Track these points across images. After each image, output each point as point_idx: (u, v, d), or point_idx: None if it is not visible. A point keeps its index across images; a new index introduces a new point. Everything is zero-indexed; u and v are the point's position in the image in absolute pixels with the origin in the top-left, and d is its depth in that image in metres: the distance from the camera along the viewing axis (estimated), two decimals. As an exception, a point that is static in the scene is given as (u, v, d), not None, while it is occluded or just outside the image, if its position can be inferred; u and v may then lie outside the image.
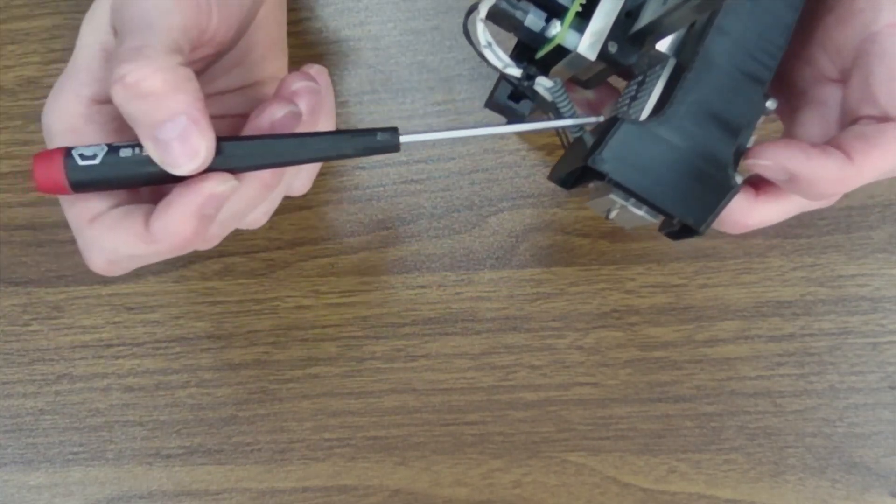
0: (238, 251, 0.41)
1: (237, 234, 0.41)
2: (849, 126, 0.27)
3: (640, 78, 0.30)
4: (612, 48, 0.27)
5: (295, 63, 0.40)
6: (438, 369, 0.41)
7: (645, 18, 0.27)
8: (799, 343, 0.39)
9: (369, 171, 0.40)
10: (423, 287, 0.41)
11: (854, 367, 0.39)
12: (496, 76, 0.30)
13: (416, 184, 0.40)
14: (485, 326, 0.40)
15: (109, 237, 0.27)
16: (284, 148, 0.27)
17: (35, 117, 0.42)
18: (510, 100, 0.31)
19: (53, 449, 0.43)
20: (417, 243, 0.40)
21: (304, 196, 0.40)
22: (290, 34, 0.40)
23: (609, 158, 0.25)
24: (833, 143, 0.26)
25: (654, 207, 0.26)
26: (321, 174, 0.41)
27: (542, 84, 0.29)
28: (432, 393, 0.41)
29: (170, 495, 0.42)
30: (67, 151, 0.26)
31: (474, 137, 0.40)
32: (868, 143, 0.26)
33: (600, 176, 0.26)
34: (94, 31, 0.28)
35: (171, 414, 0.42)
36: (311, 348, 0.41)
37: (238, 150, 0.27)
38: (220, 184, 0.26)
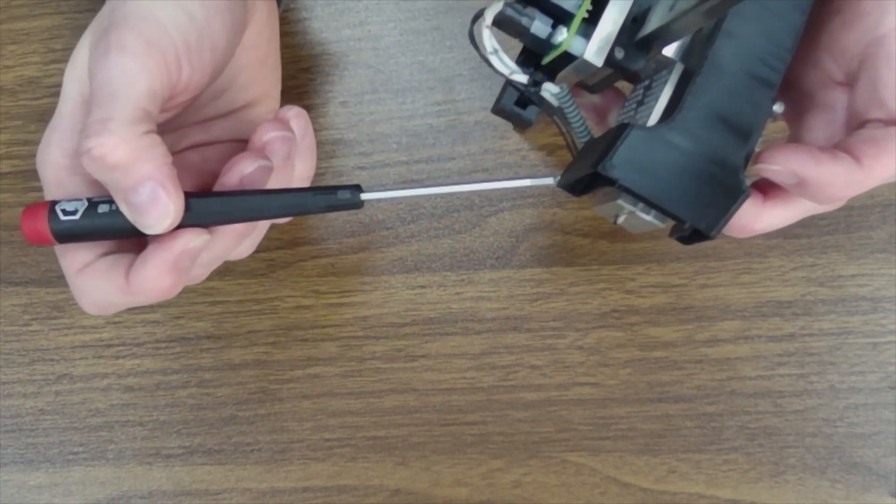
0: (238, 251, 0.41)
1: (237, 234, 0.41)
2: (856, 130, 0.27)
3: (646, 83, 0.30)
4: (619, 54, 0.27)
5: (294, 65, 0.40)
6: (438, 369, 0.41)
7: (652, 24, 0.26)
8: (799, 343, 0.39)
9: (369, 172, 0.40)
10: (423, 287, 0.41)
11: (854, 367, 0.39)
12: (499, 77, 0.30)
13: (417, 184, 0.40)
14: (485, 326, 0.40)
15: (95, 287, 0.29)
16: (249, 205, 0.29)
17: (35, 117, 0.42)
18: (517, 105, 0.31)
19: (53, 449, 0.43)
20: (417, 243, 0.40)
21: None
22: (289, 34, 0.40)
23: (619, 164, 0.25)
24: (841, 146, 0.26)
25: (664, 213, 0.26)
26: (321, 174, 0.41)
27: (549, 90, 0.29)
28: (432, 393, 0.41)
29: (170, 495, 0.42)
30: (51, 206, 0.28)
31: (475, 138, 0.40)
32: (877, 147, 0.26)
33: (610, 182, 0.26)
34: (74, 81, 0.29)
35: (172, 414, 0.42)
36: (311, 348, 0.41)
37: (207, 207, 0.28)
38: (191, 240, 0.28)
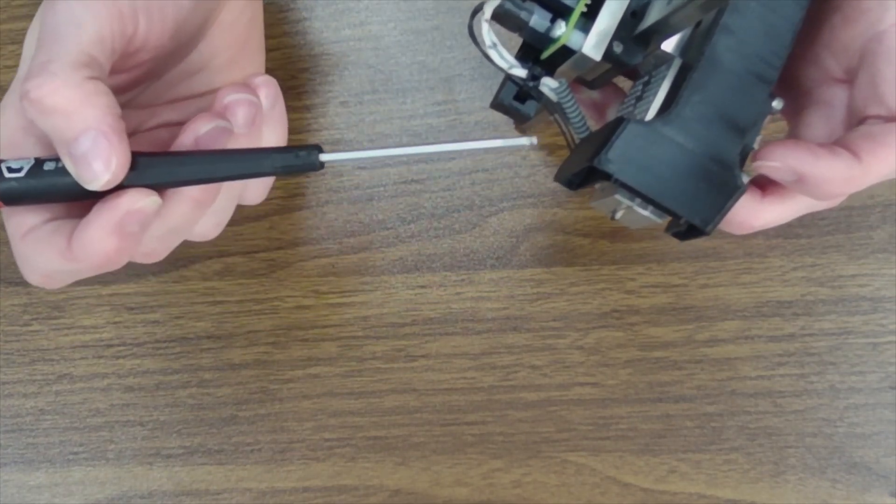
0: (238, 251, 0.41)
1: (237, 234, 0.41)
2: (855, 126, 0.27)
3: (645, 78, 0.30)
4: (618, 48, 0.27)
5: (294, 65, 0.40)
6: (439, 369, 0.41)
7: (650, 18, 0.27)
8: (799, 343, 0.39)
9: (369, 171, 0.40)
10: (423, 287, 0.41)
11: (854, 367, 0.39)
12: (499, 77, 0.30)
13: (417, 184, 0.40)
14: (485, 326, 0.40)
15: (37, 253, 0.27)
16: (201, 165, 0.27)
17: (35, 117, 0.42)
18: (515, 100, 0.31)
19: (54, 449, 0.43)
20: (417, 243, 0.40)
21: (304, 196, 0.41)
22: (289, 34, 0.40)
23: (615, 159, 0.25)
24: (840, 143, 0.26)
25: (660, 207, 0.26)
26: (321, 175, 0.41)
27: (548, 85, 0.29)
28: (432, 393, 0.41)
29: (170, 495, 0.42)
30: None
31: (475, 137, 0.40)
32: (876, 143, 0.26)
33: (606, 176, 0.26)
34: (33, 43, 0.28)
35: (172, 414, 0.42)
36: (311, 348, 0.41)
37: (155, 166, 0.26)
38: (137, 200, 0.26)
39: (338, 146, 0.41)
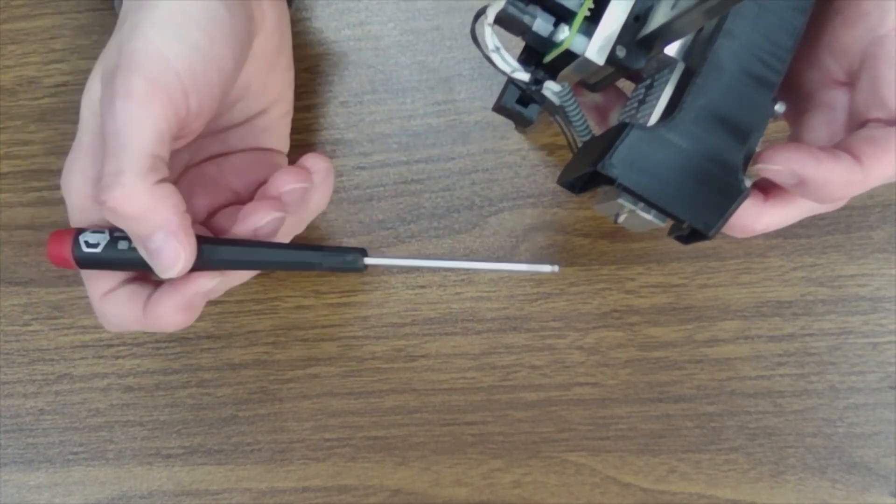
0: (238, 251, 0.41)
1: (237, 234, 0.41)
2: (857, 129, 0.27)
3: (647, 81, 0.30)
4: (621, 52, 0.27)
5: (294, 65, 0.40)
6: (438, 369, 0.41)
7: (654, 23, 0.26)
8: (799, 343, 0.39)
9: (369, 171, 0.40)
10: (423, 287, 0.41)
11: (854, 367, 0.39)
12: (499, 77, 0.30)
13: (416, 184, 0.40)
14: (485, 326, 0.40)
15: (116, 314, 0.31)
16: (258, 256, 0.31)
17: (35, 117, 0.42)
18: (518, 104, 0.31)
19: (53, 449, 0.43)
20: (417, 243, 0.40)
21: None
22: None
23: (618, 163, 0.25)
24: (841, 146, 0.26)
25: (663, 212, 0.26)
26: (321, 174, 0.41)
27: (551, 88, 0.29)
28: (432, 393, 0.41)
29: (170, 495, 0.42)
30: (76, 235, 0.30)
31: (474, 138, 0.40)
32: (877, 147, 0.26)
33: (609, 180, 0.26)
34: (89, 112, 0.30)
35: (172, 414, 0.42)
36: (311, 348, 0.41)
37: (218, 254, 0.30)
38: (204, 284, 0.30)
39: (337, 146, 0.41)
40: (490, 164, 0.40)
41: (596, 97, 0.33)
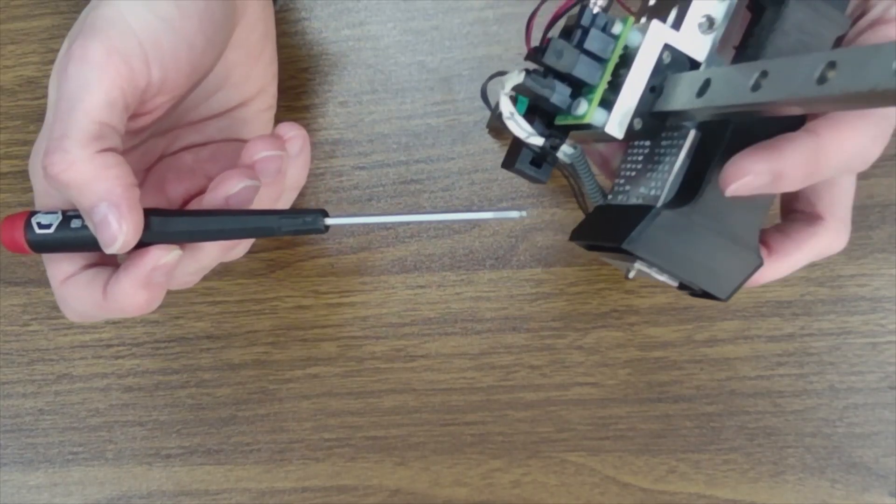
0: (238, 251, 0.41)
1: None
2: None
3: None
4: (638, 125, 0.27)
5: (293, 65, 0.40)
6: (438, 369, 0.41)
7: (672, 100, 0.26)
8: (799, 343, 0.39)
9: (369, 171, 0.40)
10: (422, 287, 0.41)
11: (854, 367, 0.39)
12: (485, 90, 0.30)
13: (416, 184, 0.40)
14: (484, 326, 0.40)
15: (76, 298, 0.30)
16: (213, 226, 0.29)
17: (34, 117, 0.42)
18: (531, 165, 0.31)
19: (53, 449, 0.43)
20: (417, 243, 0.40)
21: (304, 196, 0.41)
22: (289, 34, 0.40)
23: (644, 242, 0.26)
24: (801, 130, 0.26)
25: (684, 281, 0.28)
26: (321, 175, 0.41)
27: (564, 151, 0.29)
28: (432, 393, 0.41)
29: (169, 495, 0.42)
30: (28, 218, 0.29)
31: (474, 138, 0.40)
32: (834, 122, 0.25)
33: (632, 254, 0.27)
34: (54, 88, 0.30)
35: (171, 414, 0.42)
36: (310, 348, 0.41)
37: (170, 226, 0.29)
38: (160, 257, 0.28)
39: (337, 146, 0.41)
40: (490, 164, 0.40)
41: (599, 146, 0.33)
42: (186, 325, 0.42)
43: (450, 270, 0.40)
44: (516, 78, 0.27)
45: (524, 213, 0.29)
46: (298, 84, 0.40)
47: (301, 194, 0.40)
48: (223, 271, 0.41)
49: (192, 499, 0.42)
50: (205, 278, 0.41)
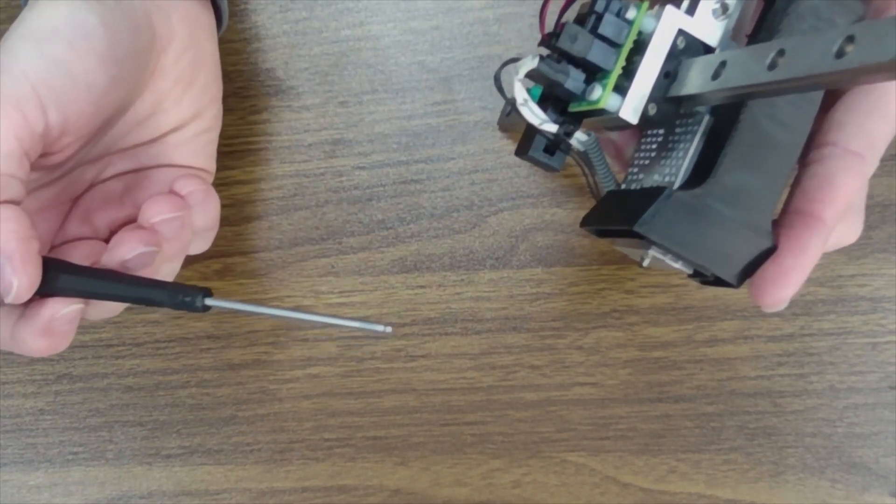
0: (238, 251, 0.41)
1: (237, 234, 0.41)
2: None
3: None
4: (652, 110, 0.27)
5: (293, 65, 0.40)
6: (438, 369, 0.41)
7: (686, 84, 0.26)
8: (799, 343, 0.39)
9: (369, 171, 0.40)
10: (422, 287, 0.41)
11: (854, 367, 0.39)
12: (499, 77, 0.30)
13: (416, 184, 0.40)
14: (485, 326, 0.40)
15: None
16: (105, 288, 0.29)
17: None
18: (544, 153, 0.31)
19: (53, 449, 0.43)
20: (417, 243, 0.40)
21: (303, 196, 0.41)
22: (288, 34, 0.40)
23: (657, 225, 0.26)
24: (795, 201, 0.27)
25: (699, 267, 0.27)
26: (321, 175, 0.41)
27: (578, 138, 0.29)
28: (432, 393, 0.41)
29: (170, 495, 0.42)
30: None
31: (474, 138, 0.40)
32: (827, 190, 0.26)
33: (642, 235, 0.26)
34: None
35: (171, 414, 0.42)
36: (310, 348, 0.41)
37: (66, 282, 0.28)
38: (58, 309, 0.28)
39: (337, 146, 0.41)
40: (490, 164, 0.40)
41: (612, 135, 0.33)
42: (186, 325, 0.42)
43: (450, 270, 0.40)
44: (530, 63, 0.27)
45: (389, 329, 0.29)
46: (298, 84, 0.40)
47: (302, 195, 0.40)
48: (224, 271, 0.41)
49: (192, 499, 0.42)
50: (205, 278, 0.41)
